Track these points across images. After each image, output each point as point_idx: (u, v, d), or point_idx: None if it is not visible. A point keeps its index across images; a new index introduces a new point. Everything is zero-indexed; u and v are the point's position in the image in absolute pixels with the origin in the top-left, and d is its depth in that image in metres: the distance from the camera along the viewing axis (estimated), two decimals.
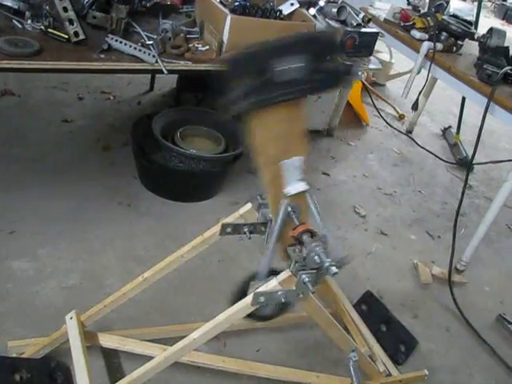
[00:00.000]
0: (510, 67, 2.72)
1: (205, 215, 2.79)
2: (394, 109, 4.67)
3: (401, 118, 4.59)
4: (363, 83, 4.25)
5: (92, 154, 3.07)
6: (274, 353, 2.20)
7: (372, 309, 2.45)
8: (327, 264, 1.40)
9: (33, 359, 1.88)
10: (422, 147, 3.94)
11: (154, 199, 2.86)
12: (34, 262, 2.31)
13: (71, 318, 1.89)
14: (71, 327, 1.86)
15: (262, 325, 2.25)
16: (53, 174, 2.83)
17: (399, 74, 5.01)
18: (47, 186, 2.73)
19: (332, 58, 1.35)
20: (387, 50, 4.94)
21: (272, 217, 1.61)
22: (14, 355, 1.90)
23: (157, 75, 3.81)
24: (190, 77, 3.64)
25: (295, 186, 1.47)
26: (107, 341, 1.94)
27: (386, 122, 4.05)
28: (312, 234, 1.49)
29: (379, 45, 4.35)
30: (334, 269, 1.39)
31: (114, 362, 2.01)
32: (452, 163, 4.08)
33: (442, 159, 3.92)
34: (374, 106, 3.83)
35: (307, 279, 1.46)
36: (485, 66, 2.74)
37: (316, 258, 1.42)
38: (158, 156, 2.80)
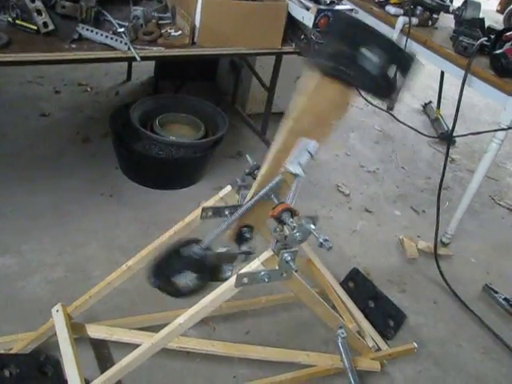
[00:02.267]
0: (485, 38, 2.72)
1: (188, 202, 2.77)
2: None
3: None
4: None
5: (72, 147, 3.04)
6: (263, 334, 2.21)
7: (359, 286, 2.45)
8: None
9: (21, 354, 1.87)
10: (404, 123, 3.93)
11: (137, 188, 2.85)
12: (18, 258, 2.30)
13: (57, 311, 1.88)
14: (58, 320, 1.85)
15: (250, 307, 2.26)
16: (33, 169, 2.80)
17: None
18: (28, 182, 2.70)
19: (397, 75, 1.40)
20: None
21: (251, 193, 1.61)
22: (2, 351, 1.88)
23: (133, 64, 3.79)
24: (167, 64, 3.62)
25: (296, 167, 1.49)
26: (95, 331, 1.93)
27: (365, 99, 4.03)
28: (292, 212, 1.49)
29: None
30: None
31: (103, 352, 2.00)
32: (434, 137, 4.09)
33: (423, 134, 3.91)
34: None
35: (289, 258, 1.46)
36: (461, 39, 2.73)
37: (298, 235, 1.43)
38: (138, 145, 2.79)
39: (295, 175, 1.50)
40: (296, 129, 1.49)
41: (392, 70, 1.38)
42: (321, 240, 1.40)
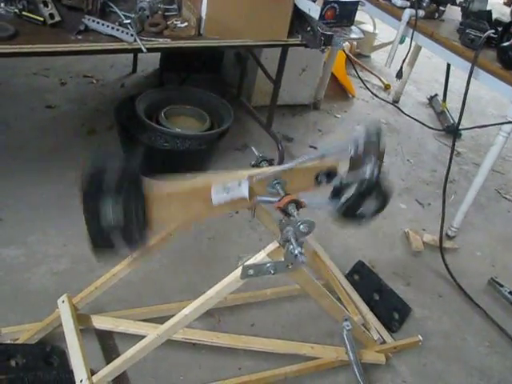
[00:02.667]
0: (492, 31, 2.71)
1: None
2: (380, 79, 4.65)
3: (386, 88, 4.57)
4: (347, 55, 4.22)
5: (77, 139, 3.04)
6: (268, 326, 2.21)
7: (364, 278, 2.46)
8: (297, 252, 1.42)
9: (27, 344, 1.88)
10: (409, 116, 3.93)
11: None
12: (23, 249, 2.30)
13: (63, 302, 1.89)
14: (64, 311, 1.86)
15: (255, 300, 2.27)
16: (38, 161, 2.80)
17: (383, 45, 4.98)
18: (33, 173, 2.71)
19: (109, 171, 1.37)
20: (371, 21, 4.91)
21: None
22: (9, 341, 1.89)
23: (139, 56, 3.79)
24: (172, 56, 3.61)
25: (244, 190, 1.49)
26: (100, 323, 1.94)
27: (371, 92, 4.03)
28: (297, 204, 1.49)
29: (362, 15, 4.34)
30: (302, 257, 1.42)
31: (108, 344, 2.01)
32: (440, 130, 4.08)
33: (429, 127, 3.91)
34: (359, 77, 3.81)
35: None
36: (467, 31, 2.72)
37: (303, 227, 1.43)
38: (144, 137, 2.78)
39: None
40: (206, 207, 1.51)
41: None
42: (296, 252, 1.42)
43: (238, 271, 1.50)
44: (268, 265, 1.49)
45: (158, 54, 3.76)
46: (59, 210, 2.54)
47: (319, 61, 3.75)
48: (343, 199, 1.49)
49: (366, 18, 4.78)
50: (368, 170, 1.49)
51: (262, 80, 3.39)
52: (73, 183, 2.63)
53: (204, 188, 1.48)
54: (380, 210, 1.59)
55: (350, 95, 4.30)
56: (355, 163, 1.54)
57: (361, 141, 1.53)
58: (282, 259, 1.49)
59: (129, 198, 1.35)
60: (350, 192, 1.49)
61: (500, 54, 2.58)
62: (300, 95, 3.85)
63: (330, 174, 1.60)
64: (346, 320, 1.82)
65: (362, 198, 1.51)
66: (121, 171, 1.37)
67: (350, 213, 1.54)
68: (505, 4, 4.53)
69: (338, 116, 4.00)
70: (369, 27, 4.91)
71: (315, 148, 3.50)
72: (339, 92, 4.28)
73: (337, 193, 1.52)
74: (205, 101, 3.03)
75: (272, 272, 1.51)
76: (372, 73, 4.75)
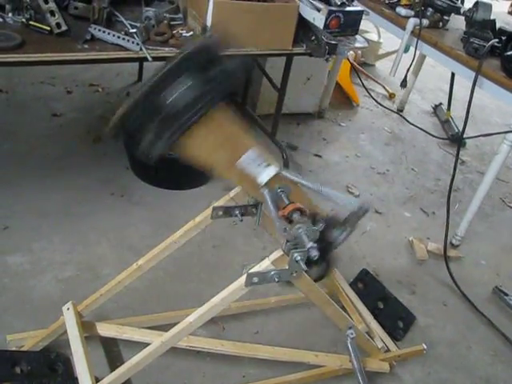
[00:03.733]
0: (496, 40, 2.72)
1: (198, 202, 2.79)
2: (384, 88, 4.66)
3: (391, 96, 4.58)
4: (351, 63, 4.23)
5: (83, 147, 3.06)
6: (272, 334, 2.21)
7: (369, 287, 2.46)
8: (309, 246, 1.41)
9: (32, 352, 1.89)
10: (414, 125, 3.93)
11: (147, 188, 2.86)
12: (29, 256, 2.32)
13: (68, 309, 1.89)
14: (68, 318, 1.86)
15: (259, 308, 2.27)
16: (44, 169, 2.82)
17: (388, 54, 5.00)
18: (39, 181, 2.72)
19: (218, 60, 1.32)
20: (375, 30, 4.93)
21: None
22: (14, 348, 1.90)
23: (144, 65, 3.80)
24: None
25: (266, 173, 1.46)
26: (105, 330, 1.94)
27: (376, 101, 4.04)
28: (302, 212, 1.49)
29: (367, 24, 4.35)
30: (314, 252, 1.41)
31: (113, 351, 2.02)
32: (444, 139, 4.08)
33: (433, 136, 3.92)
34: (363, 86, 3.83)
35: (299, 258, 1.46)
36: (471, 40, 2.73)
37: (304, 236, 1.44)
38: None
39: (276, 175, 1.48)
40: (225, 167, 1.49)
41: (209, 65, 1.31)
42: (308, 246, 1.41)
43: (243, 279, 1.50)
44: (272, 273, 1.50)
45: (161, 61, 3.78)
46: (65, 217, 2.55)
47: (324, 69, 3.77)
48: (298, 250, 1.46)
49: (371, 27, 4.80)
50: (342, 236, 1.52)
51: (266, 89, 3.40)
52: (78, 190, 2.68)
53: (245, 144, 1.45)
54: (320, 278, 1.62)
55: (355, 104, 4.32)
56: (334, 223, 1.56)
57: (352, 206, 1.55)
58: (286, 267, 1.50)
59: (209, 94, 1.29)
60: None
61: (504, 63, 2.59)
62: (305, 104, 3.87)
63: (314, 219, 1.57)
64: (350, 328, 1.81)
65: (318, 259, 1.49)
66: (225, 67, 1.33)
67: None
68: (509, 13, 4.54)
69: (343, 124, 4.01)
70: (373, 36, 4.93)
71: (320, 157, 3.51)
72: (344, 101, 4.29)
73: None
74: None
75: (276, 280, 1.51)
76: (377, 81, 4.76)
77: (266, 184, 1.47)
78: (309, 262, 1.47)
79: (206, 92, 1.29)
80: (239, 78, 1.41)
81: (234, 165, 1.44)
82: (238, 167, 1.44)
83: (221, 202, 1.76)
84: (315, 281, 1.61)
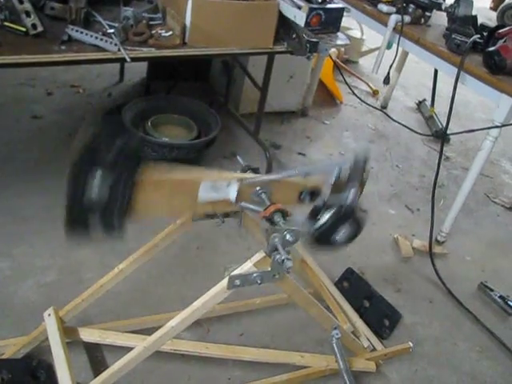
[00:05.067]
0: (478, 36, 2.72)
1: None
2: (368, 85, 4.66)
3: (375, 93, 4.58)
4: (334, 61, 4.22)
5: (64, 150, 2.98)
6: (258, 336, 2.19)
7: (354, 285, 2.45)
8: (284, 257, 1.41)
9: (13, 359, 1.86)
10: (397, 122, 3.92)
11: None
12: (9, 262, 2.28)
13: (49, 315, 1.86)
14: (50, 324, 1.83)
15: (244, 309, 2.25)
16: (25, 173, 2.78)
17: (371, 50, 4.99)
18: (20, 185, 2.68)
19: (111, 143, 1.34)
20: (358, 27, 4.92)
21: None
22: None
23: (126, 65, 3.77)
24: (159, 65, 3.59)
25: (231, 191, 1.49)
26: (88, 335, 1.92)
27: (359, 98, 4.03)
28: (284, 213, 1.48)
29: (350, 21, 4.35)
30: (288, 263, 1.41)
31: (96, 356, 1.99)
32: (428, 135, 4.08)
33: (417, 132, 3.90)
34: (346, 83, 3.81)
35: (282, 259, 1.44)
36: (453, 36, 2.73)
37: (289, 236, 1.42)
38: None
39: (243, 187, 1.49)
40: (192, 204, 1.51)
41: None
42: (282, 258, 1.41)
43: (225, 282, 1.49)
44: (255, 275, 1.48)
45: (145, 63, 3.75)
46: (46, 221, 2.51)
47: (307, 67, 3.75)
48: (320, 222, 1.49)
49: (354, 24, 4.80)
50: (350, 196, 1.49)
51: (249, 88, 3.38)
52: (60, 194, 2.64)
53: (193, 182, 1.46)
54: (352, 239, 1.59)
55: (338, 101, 4.31)
56: (338, 187, 1.54)
57: (347, 166, 1.53)
58: (269, 269, 1.48)
59: (120, 176, 1.32)
60: (327, 215, 1.49)
61: (486, 59, 2.58)
62: (288, 102, 3.85)
63: (314, 194, 1.59)
64: (335, 328, 1.80)
65: (338, 224, 1.51)
66: (120, 148, 1.34)
67: (324, 237, 1.53)
68: (491, 9, 4.55)
69: (327, 122, 4.00)
70: (356, 33, 4.93)
71: (304, 155, 3.50)
72: (327, 98, 4.28)
73: (315, 214, 1.52)
74: (192, 109, 3.03)
75: (259, 282, 1.50)
76: (360, 79, 4.75)
77: (238, 198, 1.49)
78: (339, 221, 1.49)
79: (119, 171, 1.32)
80: (135, 146, 1.41)
81: (197, 202, 1.46)
82: (202, 202, 1.46)
83: None
84: (349, 242, 1.58)
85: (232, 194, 1.48)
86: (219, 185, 1.47)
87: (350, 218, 1.52)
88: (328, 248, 1.57)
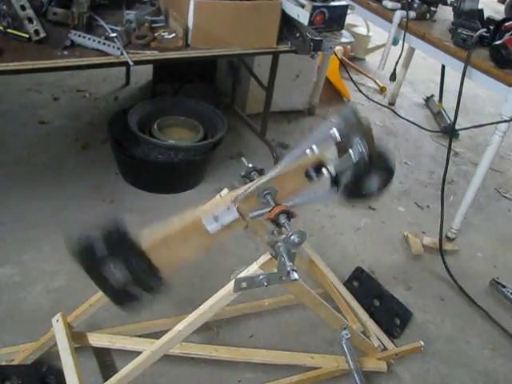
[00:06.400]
0: (484, 29, 2.69)
1: (189, 205, 2.75)
2: (375, 82, 4.63)
3: (382, 90, 4.55)
4: (339, 59, 4.19)
5: (71, 154, 3.03)
6: (267, 337, 2.18)
7: (364, 285, 2.43)
8: (289, 268, 1.40)
9: (23, 365, 1.86)
10: (405, 119, 3.90)
11: (138, 193, 2.83)
12: (18, 268, 2.28)
13: (57, 321, 1.86)
14: (58, 330, 1.83)
15: (253, 310, 2.24)
16: (33, 177, 2.79)
17: (378, 47, 4.96)
18: (28, 190, 2.69)
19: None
20: (364, 24, 4.90)
21: None
22: (4, 363, 1.87)
23: (132, 68, 3.77)
24: (165, 67, 3.59)
25: (231, 214, 1.49)
26: (97, 340, 1.91)
27: (365, 96, 4.01)
28: (289, 214, 1.47)
29: (355, 18, 4.33)
30: (294, 274, 1.40)
31: (106, 361, 1.99)
32: (436, 131, 4.05)
33: (425, 129, 3.88)
34: (352, 81, 3.79)
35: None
36: (459, 31, 2.70)
37: (295, 237, 1.41)
38: (138, 150, 2.77)
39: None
40: (204, 244, 1.54)
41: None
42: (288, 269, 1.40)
43: (231, 284, 1.48)
44: (261, 277, 1.47)
45: (151, 66, 3.75)
46: (54, 226, 2.52)
47: (313, 66, 3.73)
48: (344, 182, 1.47)
49: (360, 21, 4.77)
50: (355, 152, 1.45)
51: (255, 88, 3.37)
52: (68, 198, 2.65)
53: (195, 223, 1.48)
54: (386, 184, 1.58)
55: (346, 99, 4.28)
56: (342, 148, 1.50)
57: (340, 126, 1.49)
58: (275, 271, 1.47)
59: (126, 255, 1.38)
60: (347, 176, 1.47)
61: (492, 53, 2.56)
62: (294, 101, 3.83)
63: (319, 167, 1.57)
64: (344, 329, 1.78)
65: (362, 178, 1.50)
66: (107, 237, 1.39)
67: (356, 193, 1.54)
68: (498, 1, 4.50)
69: (334, 121, 3.96)
70: (362, 30, 4.90)
71: None
72: (334, 96, 4.26)
73: (335, 181, 1.50)
74: (198, 111, 3.02)
75: (265, 284, 1.48)
76: (367, 76, 4.73)
77: (242, 214, 1.49)
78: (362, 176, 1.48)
79: (122, 253, 1.38)
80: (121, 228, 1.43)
81: (209, 236, 1.48)
82: (213, 233, 1.47)
83: (207, 207, 1.72)
84: (383, 189, 1.58)
85: (234, 214, 1.48)
86: (219, 213, 1.48)
87: (373, 167, 1.49)
88: (366, 200, 1.61)
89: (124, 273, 1.36)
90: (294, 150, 1.52)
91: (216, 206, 1.49)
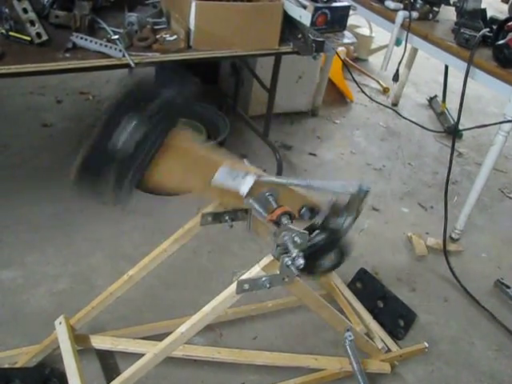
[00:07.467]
0: (487, 29, 2.68)
1: (193, 207, 2.74)
2: (378, 82, 4.62)
3: (385, 91, 4.54)
4: (342, 60, 4.19)
5: (74, 157, 3.02)
6: (271, 339, 2.18)
7: (367, 286, 2.42)
8: (294, 254, 1.39)
9: (26, 368, 1.86)
10: (408, 119, 3.89)
11: (140, 195, 2.81)
12: (22, 271, 2.29)
13: (60, 323, 1.86)
14: (61, 332, 1.83)
15: (256, 312, 2.24)
16: (36, 180, 2.79)
17: (381, 48, 4.95)
18: (31, 193, 2.70)
19: (154, 94, 1.32)
20: (367, 25, 4.89)
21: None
22: (7, 365, 1.87)
23: (134, 70, 3.76)
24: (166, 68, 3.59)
25: (245, 184, 1.44)
26: (99, 342, 1.91)
27: (368, 96, 4.01)
28: (291, 216, 1.46)
29: (358, 19, 4.32)
30: (300, 260, 1.38)
31: (109, 363, 1.99)
32: (440, 132, 4.04)
33: (428, 129, 3.87)
34: (355, 82, 3.79)
35: (290, 262, 1.43)
36: (462, 31, 2.70)
37: (297, 239, 1.40)
38: None
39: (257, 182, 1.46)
40: (201, 188, 1.48)
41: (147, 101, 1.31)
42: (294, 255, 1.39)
43: (233, 286, 1.47)
44: (263, 279, 1.47)
45: (153, 68, 3.74)
46: (58, 228, 2.52)
47: (315, 67, 3.73)
48: (314, 241, 1.48)
49: (363, 22, 4.76)
50: (346, 223, 1.49)
51: (258, 89, 3.37)
52: (70, 201, 2.65)
53: (214, 162, 1.42)
54: (335, 267, 1.58)
55: (349, 100, 4.28)
56: (335, 210, 1.52)
57: (350, 190, 1.50)
58: (278, 272, 1.47)
59: (153, 132, 1.28)
60: (321, 236, 1.49)
61: (496, 53, 2.55)
62: (297, 102, 3.83)
63: (314, 211, 1.56)
64: (347, 330, 1.78)
65: (327, 249, 1.51)
66: (164, 101, 1.33)
67: (311, 261, 1.50)
68: (502, 1, 4.50)
69: (337, 122, 3.97)
70: (365, 31, 4.89)
71: (315, 155, 3.47)
72: (337, 97, 4.26)
73: (311, 231, 1.50)
74: (200, 112, 3.01)
75: (268, 286, 1.48)
76: (370, 76, 4.72)
77: (249, 193, 1.44)
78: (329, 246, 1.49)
79: (152, 127, 1.28)
80: (180, 104, 1.40)
81: (210, 184, 1.42)
82: (215, 185, 1.42)
83: (210, 208, 1.73)
84: (331, 270, 1.59)
85: (246, 186, 1.44)
86: (236, 173, 1.43)
87: (339, 245, 1.52)
88: (310, 272, 1.56)
89: (129, 145, 1.26)
90: (312, 180, 1.50)
91: (239, 167, 1.46)
